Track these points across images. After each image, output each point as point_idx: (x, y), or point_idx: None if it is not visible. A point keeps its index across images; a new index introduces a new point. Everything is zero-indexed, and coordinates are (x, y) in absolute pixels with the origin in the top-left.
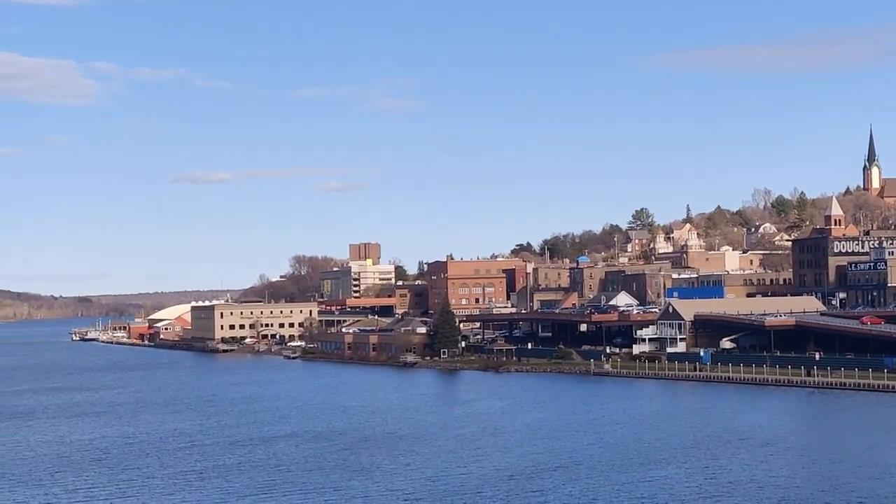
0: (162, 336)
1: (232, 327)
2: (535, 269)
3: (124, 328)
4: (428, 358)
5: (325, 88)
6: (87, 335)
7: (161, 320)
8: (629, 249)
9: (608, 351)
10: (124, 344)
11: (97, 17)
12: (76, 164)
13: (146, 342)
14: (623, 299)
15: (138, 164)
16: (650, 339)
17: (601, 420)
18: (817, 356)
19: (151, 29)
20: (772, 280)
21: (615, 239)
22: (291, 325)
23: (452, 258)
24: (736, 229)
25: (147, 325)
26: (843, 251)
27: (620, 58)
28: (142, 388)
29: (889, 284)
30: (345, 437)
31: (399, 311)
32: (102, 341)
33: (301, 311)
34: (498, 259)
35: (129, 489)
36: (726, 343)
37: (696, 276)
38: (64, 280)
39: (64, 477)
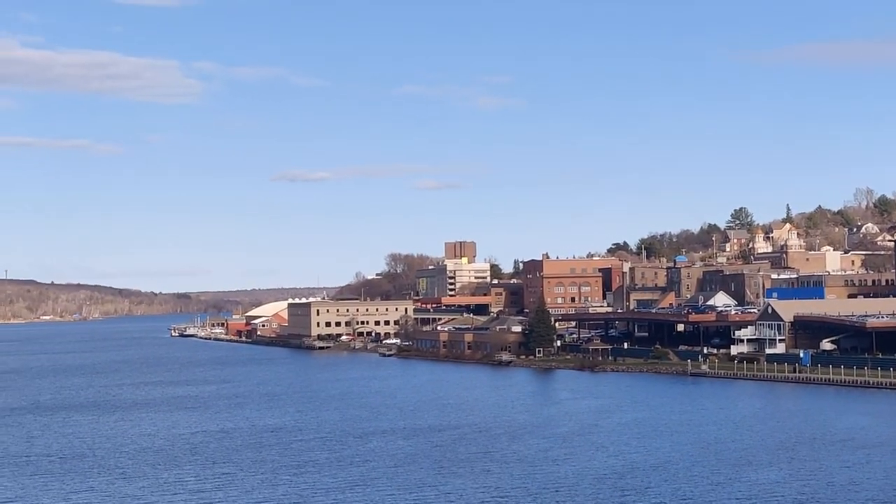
0: (259, 333)
1: (328, 324)
2: (632, 269)
3: (222, 325)
4: (523, 357)
5: (423, 86)
6: (185, 331)
7: (258, 317)
8: (727, 249)
9: (705, 351)
10: (222, 340)
11: (199, 17)
12: (177, 162)
13: (243, 339)
14: (721, 299)
15: (238, 163)
16: (748, 340)
17: (698, 420)
18: None
19: (252, 28)
20: (874, 281)
21: (713, 238)
22: (387, 322)
23: (548, 257)
24: (837, 229)
25: (244, 321)
26: None
27: (722, 54)
28: (239, 384)
29: None
30: (439, 435)
31: (494, 309)
32: (200, 337)
33: (397, 309)
34: (594, 258)
35: (225, 483)
36: (827, 345)
37: (795, 276)
38: (164, 276)
39: (161, 470)
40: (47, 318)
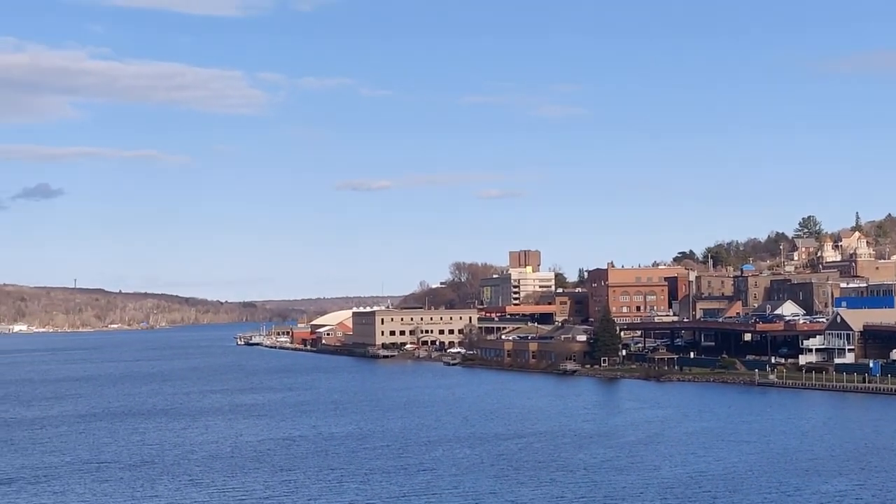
0: (324, 341)
1: (392, 333)
2: (698, 278)
3: (287, 333)
4: (588, 366)
5: (487, 96)
6: (251, 340)
7: (323, 326)
8: (795, 258)
9: (773, 361)
10: (287, 349)
11: (265, 28)
12: (242, 171)
13: (308, 347)
14: (789, 309)
15: (302, 172)
16: (817, 350)
17: (766, 430)
18: None
19: (318, 39)
20: None
21: (781, 247)
22: (451, 331)
23: (613, 265)
24: None
25: (309, 330)
26: None
27: (788, 60)
28: (305, 392)
29: None
30: (504, 443)
31: (559, 318)
32: (266, 346)
33: (461, 318)
34: (660, 267)
35: (292, 490)
36: None
37: (865, 285)
38: (230, 285)
39: (228, 476)
40: (115, 326)
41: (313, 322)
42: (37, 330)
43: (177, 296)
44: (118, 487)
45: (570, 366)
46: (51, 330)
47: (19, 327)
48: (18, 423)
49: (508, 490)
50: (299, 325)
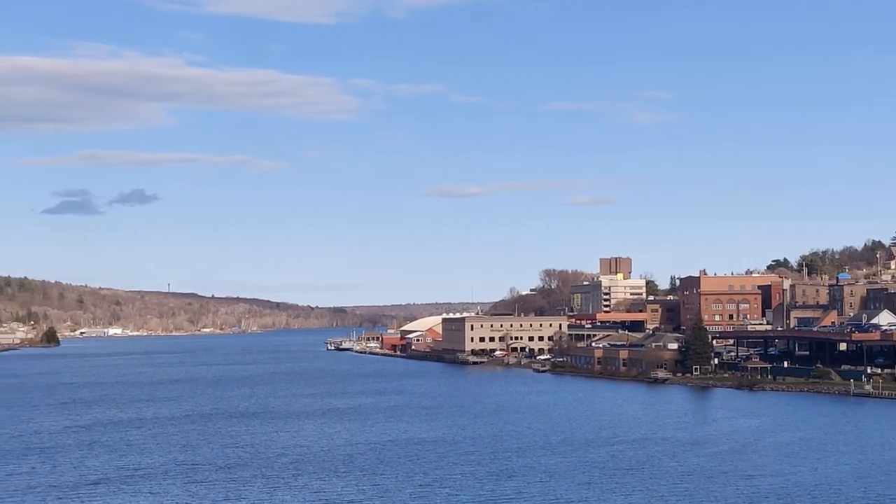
0: (413, 347)
1: (482, 339)
2: (793, 286)
3: (377, 339)
4: (679, 374)
5: (578, 102)
6: (341, 345)
7: (413, 331)
8: (892, 266)
9: (869, 371)
10: (376, 354)
11: (357, 35)
12: (334, 177)
13: (398, 353)
14: (886, 318)
15: (393, 178)
16: None
17: (862, 441)
18: None
19: (410, 46)
20: None
21: (878, 255)
22: (541, 338)
23: (705, 273)
24: None
25: (399, 335)
26: None
27: (884, 63)
28: (395, 397)
29: None
30: (594, 451)
31: (650, 326)
32: (356, 351)
33: (550, 325)
34: (753, 275)
35: (380, 493)
36: None
37: None
38: (320, 290)
39: (319, 479)
40: (207, 330)
41: (403, 328)
42: (131, 333)
43: (268, 300)
44: (210, 489)
45: (660, 374)
46: (145, 333)
47: (114, 330)
48: (114, 424)
49: (599, 497)
50: (389, 331)
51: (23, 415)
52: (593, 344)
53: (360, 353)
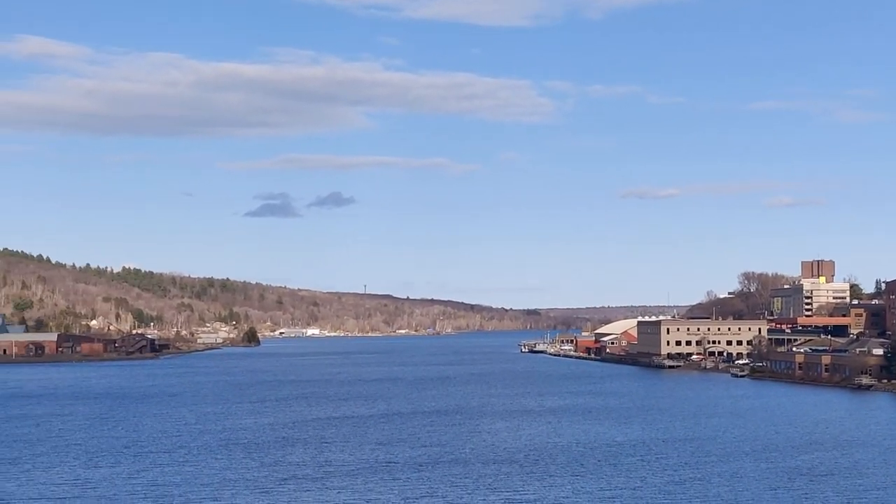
0: (608, 350)
1: (678, 343)
2: None
3: (571, 341)
4: (885, 381)
5: (783, 101)
6: (535, 347)
7: (607, 334)
8: None
9: None
10: (570, 357)
11: (553, 37)
12: (529, 179)
13: (592, 356)
14: None
15: (588, 180)
16: None
17: None
18: None
19: (607, 47)
20: None
21: None
22: (739, 342)
23: None
24: None
25: (593, 338)
26: None
27: None
28: (591, 398)
29: None
30: (798, 457)
31: (853, 331)
32: (550, 354)
33: (749, 329)
34: None
35: (576, 490)
36: None
37: None
38: (514, 292)
39: (508, 479)
40: (402, 331)
41: (597, 330)
42: (328, 334)
43: (463, 302)
44: (405, 486)
45: (865, 380)
46: (341, 334)
47: (312, 331)
48: (311, 421)
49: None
50: (583, 334)
51: (224, 411)
52: (794, 349)
53: (554, 355)
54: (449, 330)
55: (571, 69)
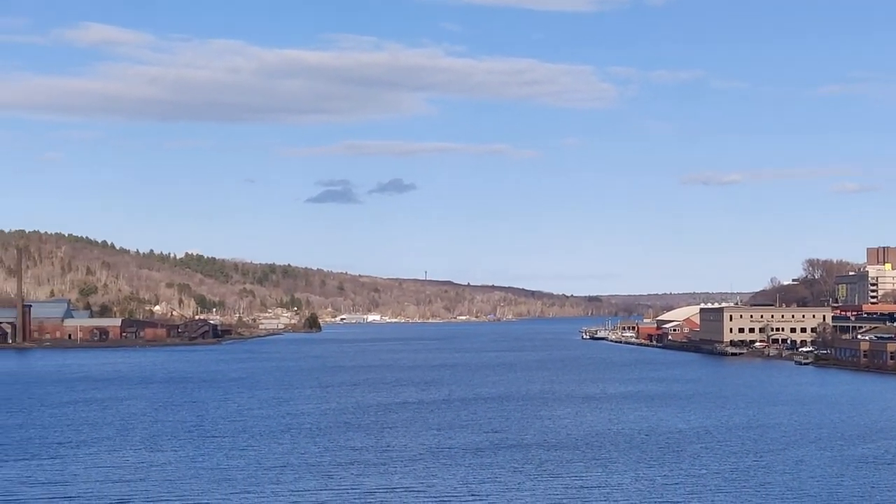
0: (670, 337)
1: (741, 330)
2: None
3: (633, 328)
4: None
5: (847, 85)
6: (596, 334)
7: (669, 321)
8: None
9: None
10: (632, 344)
11: (616, 22)
12: (590, 165)
13: (654, 342)
14: None
15: (651, 165)
16: None
17: None
18: None
19: (670, 32)
20: None
21: None
22: (803, 329)
23: None
24: None
25: (655, 325)
26: None
27: None
28: (653, 385)
29: None
30: (864, 446)
31: None
32: (611, 340)
33: (813, 316)
34: None
35: (632, 480)
36: None
37: None
38: (575, 279)
39: (568, 466)
40: (463, 318)
41: (659, 317)
42: (389, 320)
43: (523, 289)
44: (461, 471)
45: None
46: (402, 320)
47: (373, 317)
48: (372, 407)
49: (851, 491)
50: (645, 321)
51: (286, 396)
52: (859, 336)
53: (616, 342)
54: (509, 316)
55: (634, 54)
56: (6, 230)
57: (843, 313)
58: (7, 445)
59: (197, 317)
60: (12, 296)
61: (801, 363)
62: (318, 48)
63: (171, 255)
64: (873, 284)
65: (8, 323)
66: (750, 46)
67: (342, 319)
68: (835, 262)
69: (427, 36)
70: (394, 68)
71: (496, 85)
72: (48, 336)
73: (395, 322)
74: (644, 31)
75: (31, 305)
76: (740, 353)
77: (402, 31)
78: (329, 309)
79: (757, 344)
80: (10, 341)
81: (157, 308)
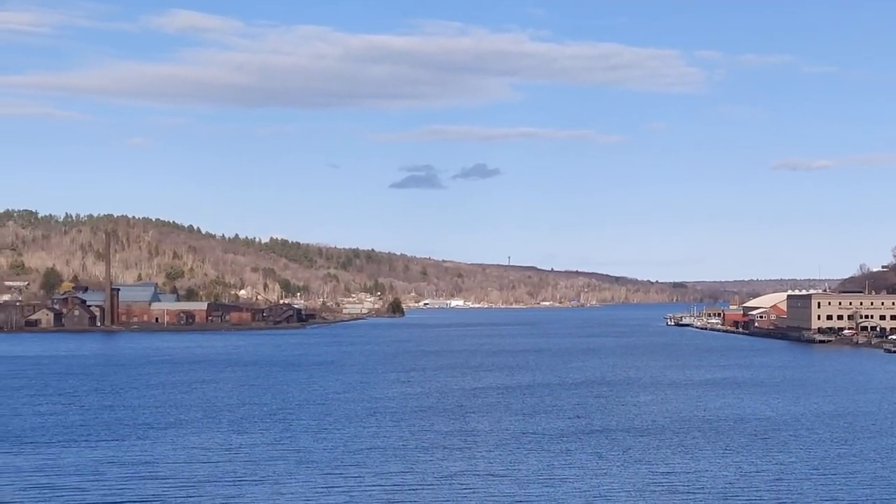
0: (756, 324)
1: (829, 318)
2: None
3: (718, 315)
4: None
5: None
6: (681, 320)
7: (755, 308)
8: None
9: None
10: (717, 330)
11: (703, 6)
12: (677, 150)
13: (739, 329)
14: None
15: (738, 151)
16: None
17: None
18: None
19: (760, 16)
20: None
21: None
22: (893, 317)
23: None
24: None
25: (741, 312)
26: None
27: None
28: (738, 371)
29: None
30: None
31: None
32: (696, 327)
33: None
34: None
35: (720, 469)
36: None
37: None
38: (660, 265)
39: (648, 452)
40: (546, 303)
41: (745, 304)
42: (472, 305)
43: (607, 275)
44: (543, 456)
45: None
46: (485, 305)
47: (456, 302)
48: (454, 391)
49: None
50: (731, 307)
51: (370, 380)
52: None
53: (701, 328)
54: (593, 302)
55: (722, 38)
56: (95, 215)
57: None
58: (96, 426)
59: (281, 301)
60: (101, 279)
61: (890, 351)
62: (403, 34)
63: (256, 240)
64: None
65: (97, 306)
66: (839, 31)
67: (425, 304)
68: None
69: (512, 21)
70: (478, 53)
71: (581, 70)
72: (136, 319)
73: (479, 307)
74: (732, 15)
75: (119, 289)
76: (828, 341)
77: (486, 17)
78: (412, 294)
79: (845, 331)
80: (99, 324)
81: (242, 292)
